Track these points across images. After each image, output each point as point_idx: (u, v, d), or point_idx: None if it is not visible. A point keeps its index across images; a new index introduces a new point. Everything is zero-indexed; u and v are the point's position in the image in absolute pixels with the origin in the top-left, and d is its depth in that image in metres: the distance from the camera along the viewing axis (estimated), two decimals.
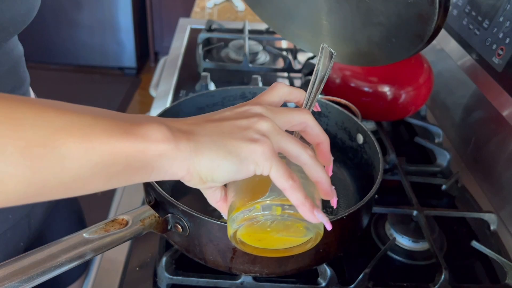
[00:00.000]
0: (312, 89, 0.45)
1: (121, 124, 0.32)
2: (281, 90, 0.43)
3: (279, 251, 0.43)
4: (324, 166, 0.40)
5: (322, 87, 0.46)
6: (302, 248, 0.43)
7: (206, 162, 0.35)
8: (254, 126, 0.37)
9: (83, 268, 0.81)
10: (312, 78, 0.46)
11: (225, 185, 0.42)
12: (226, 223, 0.47)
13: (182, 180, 0.36)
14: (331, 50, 0.46)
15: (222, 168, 0.35)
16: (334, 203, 0.42)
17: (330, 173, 0.43)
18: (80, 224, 0.83)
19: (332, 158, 0.43)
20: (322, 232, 0.41)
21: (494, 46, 0.76)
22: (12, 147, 0.28)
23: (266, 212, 0.38)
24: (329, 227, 0.39)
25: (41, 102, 0.30)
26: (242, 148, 0.35)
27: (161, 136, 0.33)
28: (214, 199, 0.42)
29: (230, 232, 0.40)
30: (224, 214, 0.43)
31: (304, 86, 0.98)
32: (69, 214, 0.80)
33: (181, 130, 0.35)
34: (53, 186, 0.30)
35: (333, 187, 0.41)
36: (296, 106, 0.45)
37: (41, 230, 0.70)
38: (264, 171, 0.36)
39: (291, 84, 1.04)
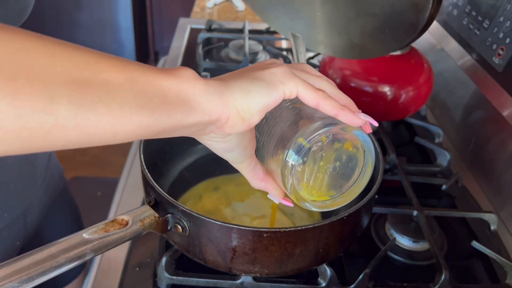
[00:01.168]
0: None
1: (152, 67, 0.33)
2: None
3: (342, 197, 0.43)
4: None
5: None
6: (362, 184, 0.43)
7: (238, 91, 0.36)
8: (271, 66, 0.39)
9: (80, 268, 0.81)
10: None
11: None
12: (226, 223, 0.47)
13: (221, 129, 0.37)
14: (297, 34, 0.46)
15: (254, 93, 0.36)
16: (368, 128, 0.41)
17: (375, 124, 0.42)
18: (77, 222, 0.83)
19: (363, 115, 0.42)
20: (370, 142, 0.41)
21: (494, 46, 0.76)
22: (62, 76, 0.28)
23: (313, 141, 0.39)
24: (375, 123, 0.40)
25: (66, 43, 0.31)
26: (265, 74, 0.37)
27: (192, 75, 0.34)
28: (258, 177, 0.43)
29: (287, 185, 0.40)
30: (272, 192, 0.44)
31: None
32: (65, 213, 0.80)
33: (220, 80, 0.36)
34: (101, 114, 0.29)
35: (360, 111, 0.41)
36: None
37: (38, 229, 0.70)
38: (292, 90, 0.37)
39: None
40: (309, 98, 0.38)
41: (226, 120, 0.36)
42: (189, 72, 0.34)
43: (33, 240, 0.69)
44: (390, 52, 0.72)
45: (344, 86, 0.82)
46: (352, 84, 0.82)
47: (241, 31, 1.20)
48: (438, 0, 0.57)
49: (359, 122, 0.39)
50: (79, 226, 0.83)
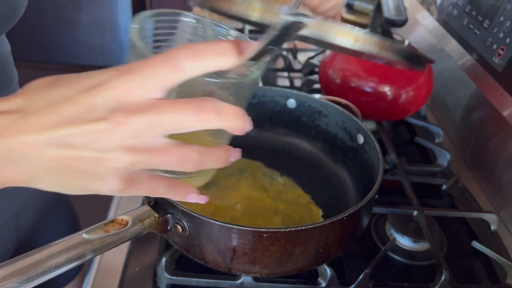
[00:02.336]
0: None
1: None
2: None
3: None
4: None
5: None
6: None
7: (45, 187, 0.30)
8: (101, 166, 0.29)
9: (77, 270, 0.79)
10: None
11: None
12: (225, 223, 0.47)
13: None
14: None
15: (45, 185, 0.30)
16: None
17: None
18: (74, 225, 0.80)
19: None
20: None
21: (495, 46, 0.76)
22: None
23: None
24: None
25: None
26: (90, 188, 0.30)
27: None
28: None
29: None
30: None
31: (305, 86, 0.98)
32: (62, 215, 0.77)
33: (13, 152, 0.28)
34: None
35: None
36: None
37: (32, 232, 0.68)
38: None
39: (291, 84, 1.04)
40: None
41: None
42: None
43: (26, 244, 0.66)
44: None
45: (344, 86, 0.82)
46: (352, 84, 0.81)
47: (241, 31, 1.19)
48: None
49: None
50: (76, 229, 0.80)
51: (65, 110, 0.27)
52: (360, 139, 0.65)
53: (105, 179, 0.29)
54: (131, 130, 0.27)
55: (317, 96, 0.72)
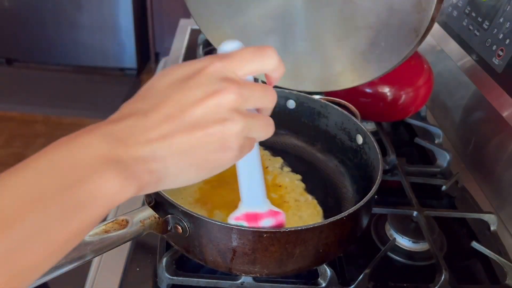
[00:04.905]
0: None
1: (64, 200, 0.27)
2: (270, 66, 0.35)
3: None
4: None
5: None
6: None
7: (169, 185, 0.32)
8: (225, 134, 0.32)
9: None
10: None
11: None
12: (225, 224, 0.47)
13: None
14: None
15: (186, 180, 0.33)
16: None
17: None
18: None
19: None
20: None
21: (494, 47, 0.76)
22: None
23: None
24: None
25: None
26: (220, 162, 0.33)
27: (119, 188, 0.28)
28: None
29: None
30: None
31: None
32: None
33: (140, 159, 0.29)
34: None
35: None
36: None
37: None
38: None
39: None
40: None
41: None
42: (113, 186, 0.28)
43: None
44: (386, 70, 0.65)
45: None
46: None
47: None
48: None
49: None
50: None
51: (182, 96, 0.31)
52: (360, 139, 0.65)
53: (228, 147, 0.32)
54: (240, 98, 0.32)
55: (316, 97, 0.72)
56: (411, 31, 0.59)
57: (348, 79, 0.71)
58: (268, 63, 0.35)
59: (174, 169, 0.31)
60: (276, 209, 0.47)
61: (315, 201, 0.63)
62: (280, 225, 0.49)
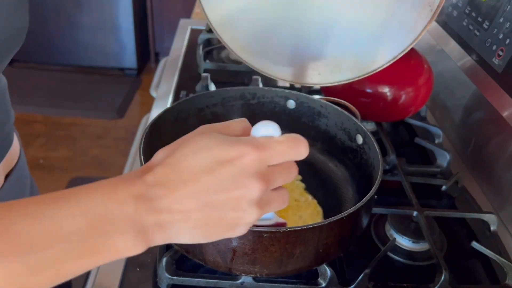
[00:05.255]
0: None
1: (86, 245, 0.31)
2: (301, 157, 0.38)
3: None
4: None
5: None
6: None
7: (172, 242, 0.36)
8: (238, 221, 0.35)
9: None
10: None
11: None
12: None
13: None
14: None
15: (197, 238, 0.36)
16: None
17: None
18: None
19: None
20: None
21: (494, 47, 0.76)
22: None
23: None
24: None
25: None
26: (227, 215, 0.34)
27: (130, 247, 0.33)
28: None
29: None
30: None
31: (304, 87, 0.98)
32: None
33: (159, 225, 0.33)
34: None
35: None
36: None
37: None
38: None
39: (291, 85, 1.04)
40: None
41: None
42: (130, 244, 0.33)
43: None
44: (404, 48, 0.64)
45: (344, 87, 0.82)
46: (352, 85, 0.82)
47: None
48: None
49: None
50: None
51: (211, 181, 0.33)
52: (359, 139, 0.65)
53: (237, 230, 0.35)
54: (264, 194, 0.35)
55: (316, 97, 0.72)
56: (426, 5, 0.59)
57: (353, 71, 0.71)
58: (299, 156, 0.37)
59: (184, 236, 0.35)
60: (281, 220, 0.48)
61: (315, 201, 0.63)
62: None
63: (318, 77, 0.71)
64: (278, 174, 0.36)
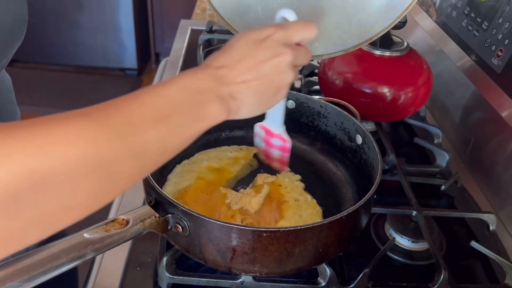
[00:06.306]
0: None
1: (193, 112, 0.40)
2: (312, 35, 0.48)
3: None
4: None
5: None
6: None
7: (241, 115, 0.45)
8: (282, 82, 0.46)
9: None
10: None
11: None
12: (226, 223, 0.47)
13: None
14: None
15: (258, 109, 0.47)
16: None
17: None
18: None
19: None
20: None
21: (493, 47, 0.76)
22: None
23: None
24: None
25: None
26: (274, 79, 0.45)
27: (219, 113, 0.42)
28: None
29: None
30: None
31: (304, 87, 0.98)
32: None
33: (231, 95, 0.43)
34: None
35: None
36: None
37: None
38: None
39: (291, 86, 1.04)
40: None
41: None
42: (219, 111, 0.42)
43: None
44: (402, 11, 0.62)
45: (344, 87, 0.83)
46: (352, 85, 0.82)
47: None
48: None
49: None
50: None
51: (257, 54, 0.44)
52: (359, 139, 0.65)
53: (281, 91, 0.47)
54: (294, 58, 0.46)
55: (316, 97, 0.72)
56: None
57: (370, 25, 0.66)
58: (311, 35, 0.48)
59: (248, 104, 0.45)
60: (286, 136, 0.60)
61: (314, 201, 0.63)
62: (283, 149, 0.61)
63: (316, 48, 0.69)
64: (300, 50, 0.47)
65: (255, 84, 0.44)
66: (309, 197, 0.63)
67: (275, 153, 0.63)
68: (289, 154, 0.62)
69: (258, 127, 0.62)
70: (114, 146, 0.33)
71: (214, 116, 0.42)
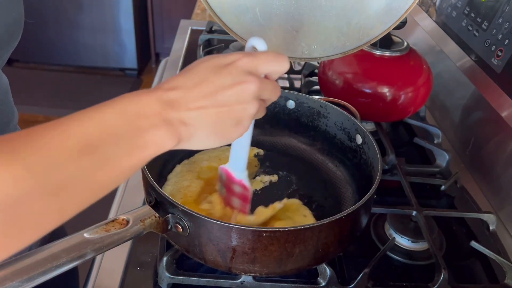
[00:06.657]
0: None
1: (128, 141, 0.36)
2: (283, 69, 0.44)
3: None
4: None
5: None
6: None
7: (194, 146, 0.41)
8: (244, 113, 0.41)
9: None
10: None
11: None
12: (225, 223, 0.47)
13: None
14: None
15: (213, 141, 0.42)
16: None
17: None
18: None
19: None
20: None
21: (493, 48, 0.76)
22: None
23: None
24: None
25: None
26: (234, 109, 0.41)
27: (165, 140, 0.38)
28: None
29: None
30: None
31: (304, 87, 0.98)
32: None
33: (182, 121, 0.38)
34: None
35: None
36: None
37: None
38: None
39: (291, 86, 1.04)
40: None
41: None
42: (164, 137, 0.37)
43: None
44: (404, 12, 0.62)
45: (343, 87, 0.83)
46: (352, 86, 0.82)
47: None
48: None
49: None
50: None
51: (217, 80, 0.40)
52: (359, 139, 0.65)
53: (242, 124, 0.42)
54: (258, 89, 0.41)
55: (316, 97, 0.72)
56: None
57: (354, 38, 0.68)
58: (281, 68, 0.44)
59: (201, 133, 0.40)
60: (247, 183, 0.54)
61: (300, 202, 0.63)
62: (243, 198, 0.55)
63: (315, 50, 0.69)
64: (266, 81, 0.43)
65: (211, 112, 0.39)
66: (299, 202, 0.63)
67: (235, 201, 0.56)
68: (249, 204, 0.56)
69: (220, 170, 0.56)
70: (24, 183, 0.29)
71: (159, 144, 0.37)
